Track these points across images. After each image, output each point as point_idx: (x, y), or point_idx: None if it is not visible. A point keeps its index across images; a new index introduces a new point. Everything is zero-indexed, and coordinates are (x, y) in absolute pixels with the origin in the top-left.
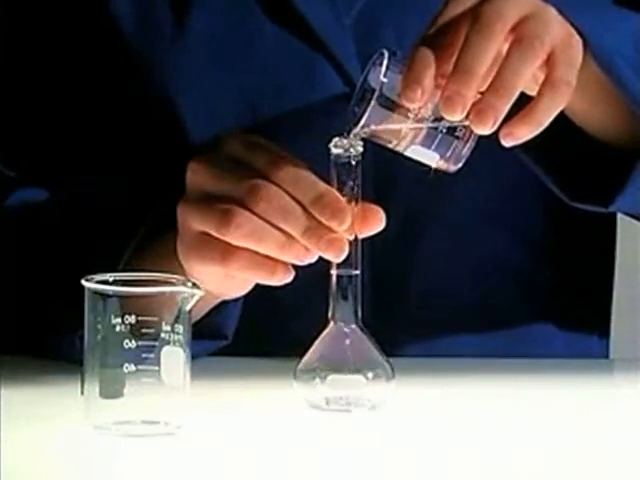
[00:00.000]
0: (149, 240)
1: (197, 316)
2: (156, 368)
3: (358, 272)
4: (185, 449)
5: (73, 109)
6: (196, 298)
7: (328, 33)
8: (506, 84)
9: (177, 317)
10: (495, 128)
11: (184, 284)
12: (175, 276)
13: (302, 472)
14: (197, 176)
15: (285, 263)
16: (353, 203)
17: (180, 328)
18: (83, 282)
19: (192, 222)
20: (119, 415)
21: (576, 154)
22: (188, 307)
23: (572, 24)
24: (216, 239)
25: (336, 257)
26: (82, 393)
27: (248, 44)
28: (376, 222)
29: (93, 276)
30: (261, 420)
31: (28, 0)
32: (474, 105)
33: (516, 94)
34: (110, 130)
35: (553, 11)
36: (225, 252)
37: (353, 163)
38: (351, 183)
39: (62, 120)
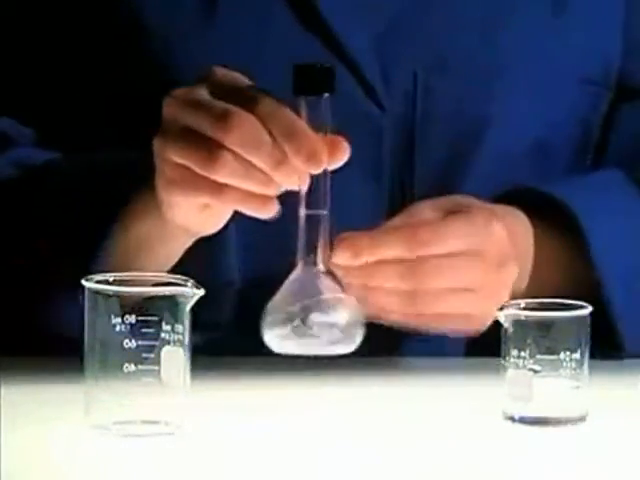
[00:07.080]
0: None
1: (172, 260)
2: (156, 368)
3: (326, 212)
4: (185, 449)
5: (90, 88)
6: (196, 298)
7: (351, 42)
8: None
9: (177, 317)
10: None
11: (184, 284)
12: (175, 276)
13: (301, 472)
14: (172, 107)
15: (272, 198)
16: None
17: (180, 328)
18: (83, 282)
19: (171, 154)
20: (119, 415)
21: None
22: (188, 307)
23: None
24: (199, 174)
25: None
26: (82, 392)
27: (273, 45)
28: (341, 152)
29: (93, 276)
30: (261, 420)
31: None
32: None
33: None
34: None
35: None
36: (214, 188)
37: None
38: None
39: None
